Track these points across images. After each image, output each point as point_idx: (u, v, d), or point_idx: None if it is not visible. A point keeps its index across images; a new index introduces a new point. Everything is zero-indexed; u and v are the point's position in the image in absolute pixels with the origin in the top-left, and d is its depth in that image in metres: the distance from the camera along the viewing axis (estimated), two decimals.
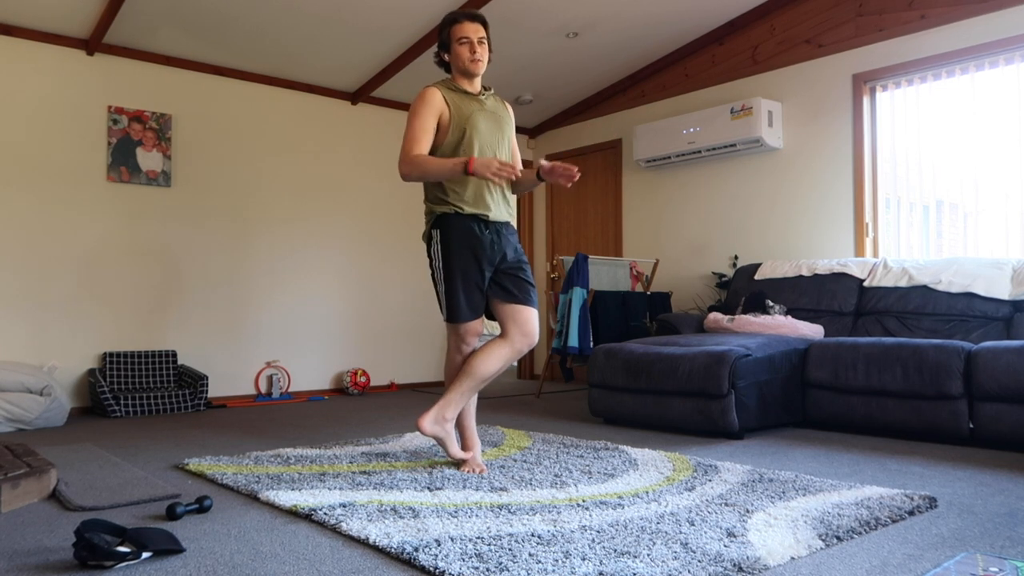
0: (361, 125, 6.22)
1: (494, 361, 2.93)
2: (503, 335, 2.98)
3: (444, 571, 1.76)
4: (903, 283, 4.39)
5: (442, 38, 2.99)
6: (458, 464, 3.01)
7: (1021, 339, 3.87)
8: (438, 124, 2.92)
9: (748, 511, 2.28)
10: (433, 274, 3.00)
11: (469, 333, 2.98)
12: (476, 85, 3.00)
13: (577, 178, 2.89)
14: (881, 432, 3.80)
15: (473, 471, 2.89)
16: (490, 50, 3.01)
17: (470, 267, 2.91)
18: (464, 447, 3.09)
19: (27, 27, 4.71)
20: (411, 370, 6.43)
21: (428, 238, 3.00)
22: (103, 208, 5.00)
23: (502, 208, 2.99)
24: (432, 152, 2.95)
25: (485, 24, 2.97)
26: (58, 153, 4.85)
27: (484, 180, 2.81)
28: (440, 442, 2.98)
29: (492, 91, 3.09)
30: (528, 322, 2.97)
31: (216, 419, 4.57)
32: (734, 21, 5.46)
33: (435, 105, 2.89)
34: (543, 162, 2.91)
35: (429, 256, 3.01)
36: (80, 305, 4.90)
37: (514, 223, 3.08)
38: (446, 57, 3.00)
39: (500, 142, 2.99)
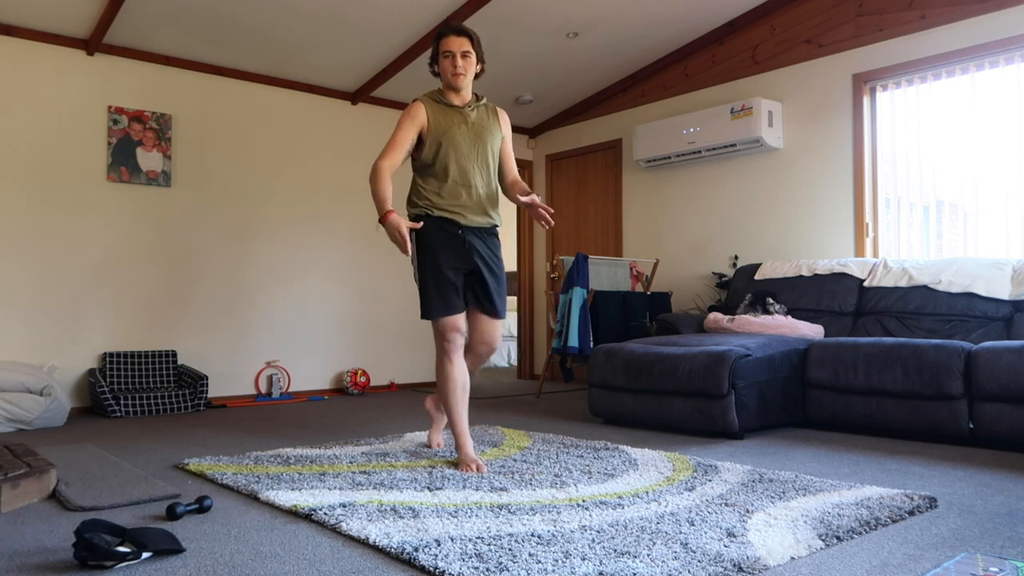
0: (361, 125, 6.22)
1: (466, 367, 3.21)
2: (468, 341, 3.22)
3: (444, 571, 1.76)
4: (903, 283, 4.39)
5: (433, 51, 3.14)
6: (457, 464, 3.04)
7: (1021, 339, 3.87)
8: (420, 136, 3.08)
9: (748, 511, 2.28)
10: (413, 273, 3.18)
11: (448, 329, 3.06)
12: (464, 96, 3.13)
13: (551, 225, 3.15)
14: (881, 432, 3.80)
15: (470, 468, 2.92)
16: (481, 61, 3.13)
17: (442, 265, 3.03)
18: (456, 446, 3.16)
19: (27, 27, 4.71)
20: (411, 370, 6.43)
21: None
22: (103, 208, 5.00)
23: (478, 215, 3.10)
24: (415, 161, 3.14)
25: (472, 38, 3.08)
26: (58, 153, 4.85)
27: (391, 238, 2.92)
28: (431, 421, 3.33)
29: (484, 101, 3.20)
30: (488, 331, 3.18)
31: (216, 419, 4.57)
32: (734, 21, 5.46)
33: (417, 119, 3.06)
34: (533, 196, 3.08)
35: (410, 258, 3.19)
36: (80, 305, 4.90)
37: (496, 227, 3.20)
38: (436, 69, 3.15)
39: (478, 155, 3.10)
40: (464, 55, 3.04)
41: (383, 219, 2.86)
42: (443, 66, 3.07)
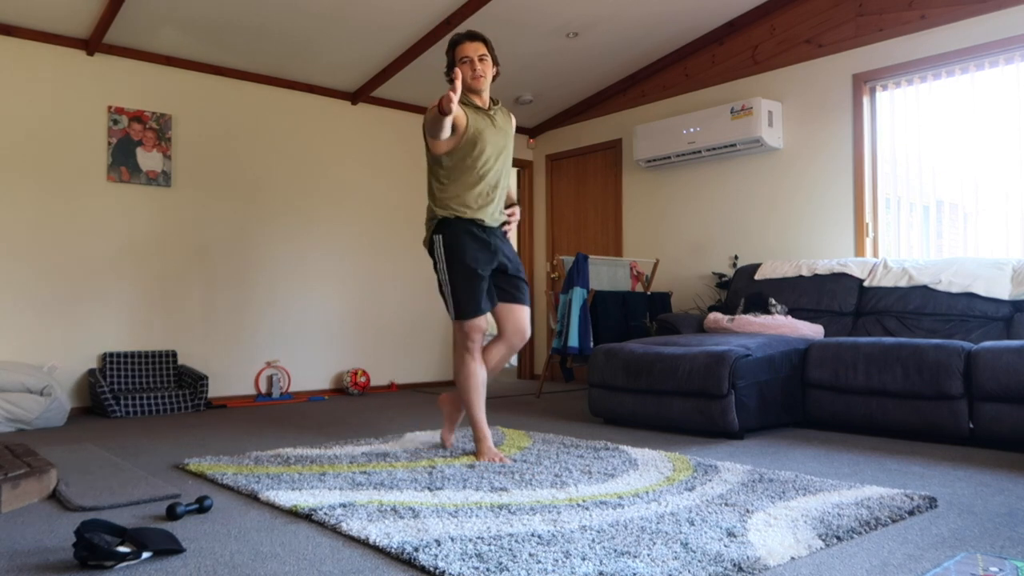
0: (361, 125, 6.22)
1: (499, 361, 3.32)
2: (500, 334, 3.28)
3: (444, 571, 1.76)
4: (903, 283, 4.39)
5: (448, 59, 3.23)
6: (476, 456, 3.18)
7: (1021, 339, 3.87)
8: (455, 127, 3.12)
9: (748, 511, 2.28)
10: (440, 276, 3.20)
11: (476, 330, 3.17)
12: (485, 99, 3.24)
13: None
14: (881, 432, 3.80)
15: (494, 460, 3.08)
16: (496, 63, 3.23)
17: (476, 267, 3.14)
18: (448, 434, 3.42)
19: (27, 27, 4.71)
20: (411, 370, 6.43)
21: (431, 243, 3.20)
22: (103, 208, 5.00)
23: (497, 216, 3.25)
24: (448, 155, 3.16)
25: (486, 42, 3.19)
26: (58, 153, 4.85)
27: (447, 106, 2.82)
28: (447, 418, 3.45)
29: (500, 104, 3.31)
30: (522, 319, 3.28)
31: (216, 419, 4.57)
32: (734, 21, 5.46)
33: (454, 111, 3.09)
34: (514, 212, 3.36)
35: (435, 259, 3.20)
36: (80, 305, 4.90)
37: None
38: (454, 76, 3.20)
39: (503, 153, 3.24)
40: (481, 59, 3.15)
41: (442, 107, 2.80)
42: (462, 72, 3.16)
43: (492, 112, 3.22)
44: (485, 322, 3.20)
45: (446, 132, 2.98)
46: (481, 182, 3.15)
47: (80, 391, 4.89)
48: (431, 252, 3.20)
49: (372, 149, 6.26)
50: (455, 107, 2.83)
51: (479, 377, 3.20)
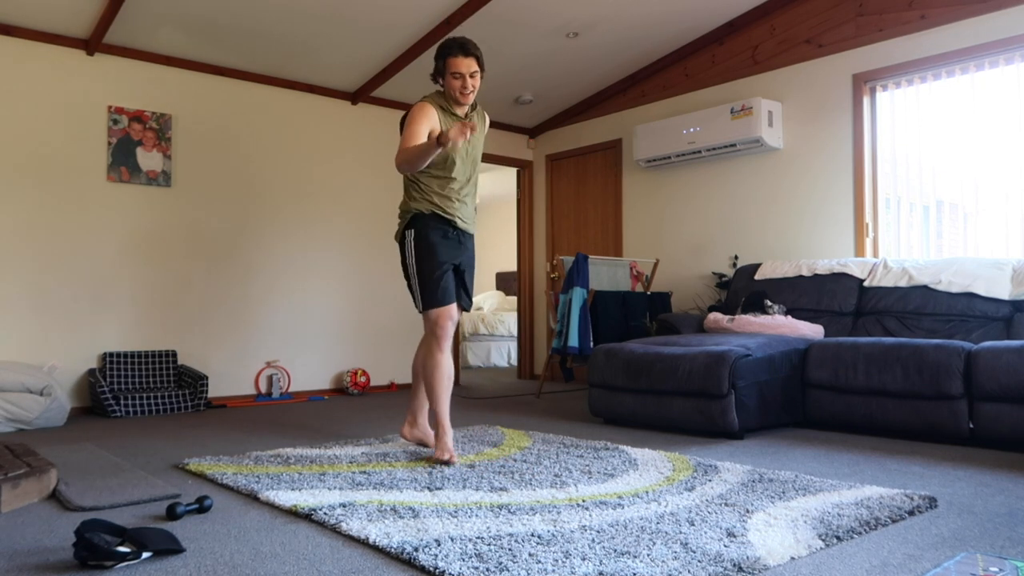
0: (361, 125, 6.22)
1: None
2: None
3: (444, 571, 1.76)
4: (903, 283, 4.39)
5: (438, 65, 3.25)
6: (435, 451, 3.15)
7: (1021, 339, 3.87)
8: (429, 135, 3.17)
9: (748, 511, 2.28)
10: (408, 270, 3.26)
11: (444, 318, 3.21)
12: (465, 108, 3.30)
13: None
14: (881, 432, 3.80)
15: (451, 456, 3.05)
16: (482, 74, 3.27)
17: (442, 259, 3.21)
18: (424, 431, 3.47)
19: (27, 27, 4.71)
20: (411, 370, 6.41)
21: (401, 237, 3.29)
22: (103, 208, 4.99)
23: (469, 221, 3.33)
24: None
25: (479, 58, 3.21)
26: (58, 153, 4.84)
27: (455, 144, 3.03)
28: (423, 444, 3.43)
29: (477, 108, 3.39)
30: (455, 323, 3.38)
31: (216, 419, 4.57)
32: (734, 21, 5.46)
33: (430, 119, 3.16)
34: None
35: (403, 254, 3.28)
36: (80, 305, 4.90)
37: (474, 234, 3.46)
38: (440, 82, 3.28)
39: (473, 164, 3.34)
40: (472, 75, 3.19)
41: (441, 139, 2.82)
42: (452, 85, 3.19)
43: (469, 118, 3.30)
44: (455, 311, 3.25)
45: (427, 162, 3.00)
46: (451, 186, 3.25)
47: (80, 391, 4.89)
48: (402, 246, 3.28)
49: (372, 149, 6.26)
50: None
51: (446, 369, 3.22)
